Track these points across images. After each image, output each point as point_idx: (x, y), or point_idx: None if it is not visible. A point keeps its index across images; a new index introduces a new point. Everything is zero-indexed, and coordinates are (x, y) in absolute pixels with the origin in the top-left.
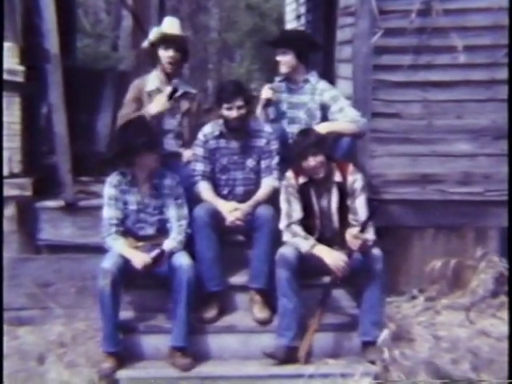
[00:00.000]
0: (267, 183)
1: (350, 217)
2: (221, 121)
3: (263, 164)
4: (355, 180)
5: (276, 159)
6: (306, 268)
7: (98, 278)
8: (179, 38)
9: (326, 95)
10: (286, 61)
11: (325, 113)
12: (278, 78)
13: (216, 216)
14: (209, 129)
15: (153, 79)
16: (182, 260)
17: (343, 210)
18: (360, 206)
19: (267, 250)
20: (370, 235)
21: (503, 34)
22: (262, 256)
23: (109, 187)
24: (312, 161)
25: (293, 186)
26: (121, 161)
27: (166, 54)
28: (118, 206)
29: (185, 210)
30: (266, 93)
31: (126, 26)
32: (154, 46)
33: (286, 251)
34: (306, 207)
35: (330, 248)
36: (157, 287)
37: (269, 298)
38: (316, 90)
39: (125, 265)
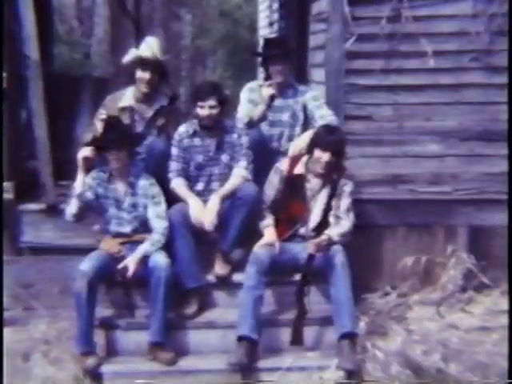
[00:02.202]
0: (236, 173)
1: (331, 213)
2: (195, 120)
3: (236, 157)
4: (346, 183)
5: (245, 151)
6: (279, 266)
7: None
8: (156, 62)
9: (307, 95)
10: (281, 70)
11: (306, 113)
12: (266, 83)
13: (190, 216)
14: (183, 128)
15: (127, 96)
16: (158, 259)
17: (327, 208)
18: (343, 205)
19: (243, 219)
20: (334, 231)
21: (468, 39)
22: (237, 224)
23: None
24: (327, 157)
25: (281, 172)
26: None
27: (142, 76)
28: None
29: (162, 207)
30: (267, 91)
31: (98, 34)
32: (132, 65)
33: (258, 251)
34: (295, 198)
35: (305, 243)
36: (137, 285)
37: (231, 257)
38: (298, 91)
39: (103, 266)
